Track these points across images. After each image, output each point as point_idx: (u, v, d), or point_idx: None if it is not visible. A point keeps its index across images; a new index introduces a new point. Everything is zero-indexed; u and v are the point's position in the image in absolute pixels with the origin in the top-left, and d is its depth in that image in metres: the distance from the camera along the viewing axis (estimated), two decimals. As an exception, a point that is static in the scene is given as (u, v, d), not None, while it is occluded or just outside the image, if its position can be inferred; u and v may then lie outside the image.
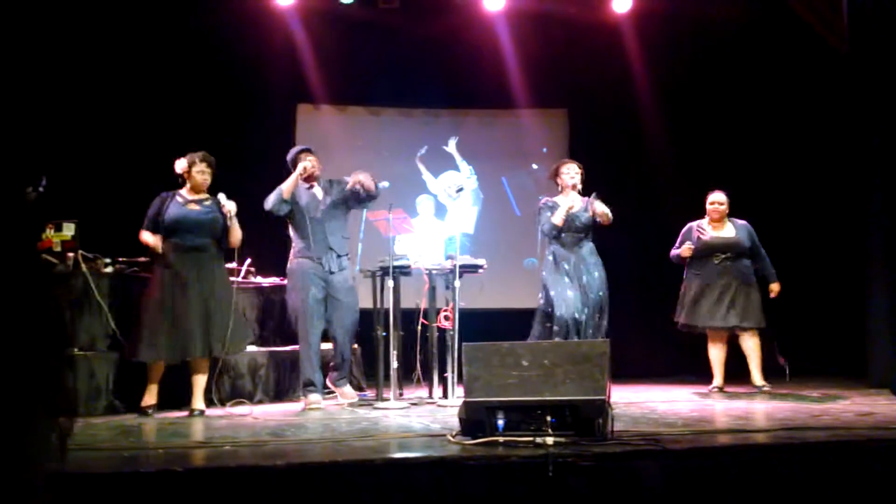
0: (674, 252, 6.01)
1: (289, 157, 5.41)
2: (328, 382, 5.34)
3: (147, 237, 4.88)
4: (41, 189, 4.27)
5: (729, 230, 5.92)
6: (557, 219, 5.43)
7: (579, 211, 5.48)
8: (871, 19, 6.16)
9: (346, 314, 5.26)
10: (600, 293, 5.39)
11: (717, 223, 5.92)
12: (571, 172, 5.60)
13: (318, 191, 5.37)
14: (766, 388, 5.61)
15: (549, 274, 5.46)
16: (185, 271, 4.82)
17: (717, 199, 5.92)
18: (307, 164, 5.26)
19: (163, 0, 7.07)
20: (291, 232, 5.35)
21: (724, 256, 5.81)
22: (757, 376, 5.70)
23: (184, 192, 4.99)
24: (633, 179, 7.98)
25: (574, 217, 5.45)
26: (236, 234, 4.99)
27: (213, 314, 4.82)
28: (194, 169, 4.95)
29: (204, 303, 4.81)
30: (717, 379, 5.83)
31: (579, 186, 5.57)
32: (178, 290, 4.79)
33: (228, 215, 4.89)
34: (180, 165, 4.99)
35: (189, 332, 4.76)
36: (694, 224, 6.00)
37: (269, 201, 5.19)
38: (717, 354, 5.87)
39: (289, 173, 5.29)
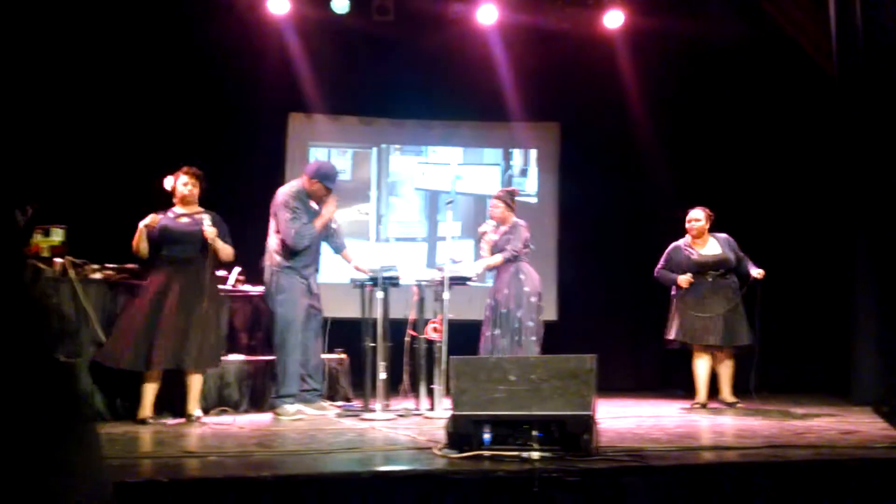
0: (666, 275, 6.01)
1: (315, 174, 5.34)
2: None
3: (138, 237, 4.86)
4: (28, 214, 4.30)
5: (713, 246, 5.94)
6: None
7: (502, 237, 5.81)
8: (859, 39, 6.22)
9: (319, 327, 5.41)
10: (504, 310, 5.57)
11: (697, 240, 5.96)
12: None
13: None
14: (739, 405, 5.71)
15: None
16: (172, 283, 4.82)
17: (693, 217, 5.97)
18: (334, 208, 5.34)
19: (157, 9, 7.08)
20: (282, 246, 5.27)
21: (715, 274, 5.86)
22: (728, 392, 5.81)
23: (176, 207, 5.01)
24: (623, 193, 8.02)
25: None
26: (224, 253, 4.99)
27: (189, 329, 4.78)
28: (179, 182, 4.99)
29: (185, 316, 4.78)
30: (702, 395, 5.85)
31: (498, 217, 5.86)
32: (163, 300, 4.78)
33: (209, 239, 4.86)
34: (168, 182, 5.02)
35: (168, 343, 4.72)
36: (680, 243, 6.03)
37: (304, 240, 5.17)
38: (705, 370, 5.89)
39: (283, 179, 5.27)
